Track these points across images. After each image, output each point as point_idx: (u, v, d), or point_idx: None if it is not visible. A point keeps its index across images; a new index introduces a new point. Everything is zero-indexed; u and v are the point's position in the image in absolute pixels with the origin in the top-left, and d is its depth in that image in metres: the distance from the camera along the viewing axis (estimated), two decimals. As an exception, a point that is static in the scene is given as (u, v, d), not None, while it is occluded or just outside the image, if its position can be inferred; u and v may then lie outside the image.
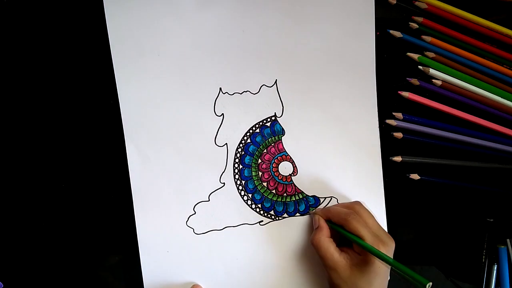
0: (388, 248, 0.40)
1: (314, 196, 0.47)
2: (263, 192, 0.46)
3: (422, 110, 0.48)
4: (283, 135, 0.47)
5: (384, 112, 0.47)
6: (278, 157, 0.47)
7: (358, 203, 0.45)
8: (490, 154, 0.48)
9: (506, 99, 0.47)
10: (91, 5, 0.44)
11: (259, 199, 0.46)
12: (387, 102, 0.47)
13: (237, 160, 0.46)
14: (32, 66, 0.45)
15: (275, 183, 0.47)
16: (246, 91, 0.46)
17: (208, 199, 0.46)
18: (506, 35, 0.47)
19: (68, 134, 0.45)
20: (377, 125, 0.47)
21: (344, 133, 0.47)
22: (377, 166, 0.47)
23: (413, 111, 0.48)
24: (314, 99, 0.46)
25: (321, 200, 0.47)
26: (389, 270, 0.41)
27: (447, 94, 0.47)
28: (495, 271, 0.48)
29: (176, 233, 0.45)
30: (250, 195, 0.46)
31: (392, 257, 0.41)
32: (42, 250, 0.45)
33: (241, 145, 0.46)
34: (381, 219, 0.48)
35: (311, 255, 0.46)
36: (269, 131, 0.46)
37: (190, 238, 0.45)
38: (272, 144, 0.46)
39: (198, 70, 0.45)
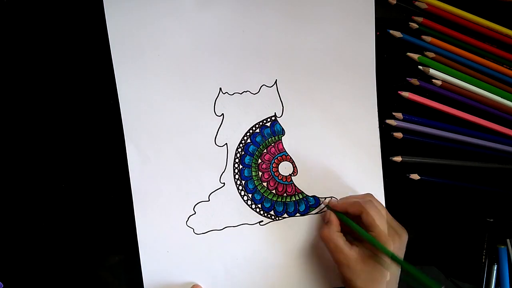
0: (402, 240, 0.41)
1: (314, 196, 0.47)
2: (263, 192, 0.46)
3: (422, 110, 0.48)
4: (283, 135, 0.47)
5: (384, 112, 0.47)
6: (278, 157, 0.47)
7: (370, 195, 0.45)
8: (490, 154, 0.48)
9: (506, 99, 0.47)
10: (91, 5, 0.44)
11: (259, 199, 0.46)
12: (387, 102, 0.47)
13: (237, 160, 0.46)
14: (32, 66, 0.45)
15: (275, 183, 0.47)
16: (246, 91, 0.46)
17: (208, 199, 0.46)
18: (506, 35, 0.47)
19: (68, 134, 0.45)
20: (377, 125, 0.47)
21: (344, 133, 0.47)
22: (377, 166, 0.47)
23: (413, 111, 0.48)
24: (314, 99, 0.46)
25: (321, 200, 0.47)
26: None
27: (447, 94, 0.47)
28: (495, 271, 0.48)
29: (176, 233, 0.45)
30: (250, 195, 0.46)
31: (404, 249, 0.41)
32: (42, 250, 0.45)
33: (241, 145, 0.46)
34: (381, 219, 0.48)
35: (311, 255, 0.46)
36: (269, 131, 0.46)
37: (190, 238, 0.45)
38: (272, 144, 0.46)
39: (198, 70, 0.45)
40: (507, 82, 0.47)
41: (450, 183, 0.49)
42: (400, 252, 0.41)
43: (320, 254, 0.46)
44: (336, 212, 0.44)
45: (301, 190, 0.47)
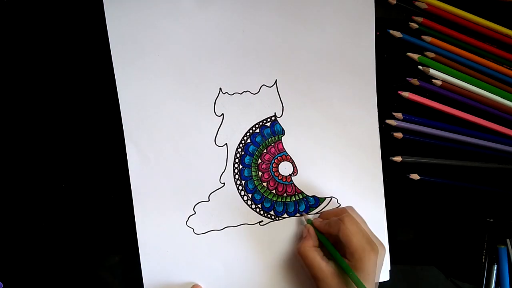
0: (380, 256, 0.40)
1: (314, 196, 0.47)
2: (263, 192, 0.46)
3: (422, 110, 0.48)
4: (283, 135, 0.47)
5: (384, 112, 0.47)
6: (278, 157, 0.47)
7: (350, 208, 0.44)
8: (490, 154, 0.48)
9: (506, 99, 0.47)
10: (91, 5, 0.44)
11: (259, 199, 0.46)
12: (387, 102, 0.47)
13: (237, 160, 0.46)
14: (32, 67, 0.45)
15: (275, 183, 0.47)
16: (246, 91, 0.46)
17: (208, 199, 0.46)
18: (506, 35, 0.47)
19: (68, 134, 0.45)
20: (377, 125, 0.47)
21: (344, 133, 0.47)
22: (377, 166, 0.47)
23: (413, 111, 0.48)
24: (314, 99, 0.46)
25: (321, 200, 0.47)
26: (380, 275, 0.41)
27: (447, 94, 0.47)
28: (495, 271, 0.48)
29: (176, 233, 0.45)
30: (250, 195, 0.46)
31: (382, 264, 0.40)
32: (42, 250, 0.45)
33: (241, 145, 0.46)
34: (381, 220, 0.48)
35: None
36: (269, 131, 0.46)
37: (190, 238, 0.45)
38: (272, 144, 0.46)
39: (198, 70, 0.45)
40: (507, 82, 0.48)
41: (450, 183, 0.49)
42: (377, 268, 0.40)
43: (320, 254, 0.46)
44: (316, 230, 0.44)
45: (301, 190, 0.47)
